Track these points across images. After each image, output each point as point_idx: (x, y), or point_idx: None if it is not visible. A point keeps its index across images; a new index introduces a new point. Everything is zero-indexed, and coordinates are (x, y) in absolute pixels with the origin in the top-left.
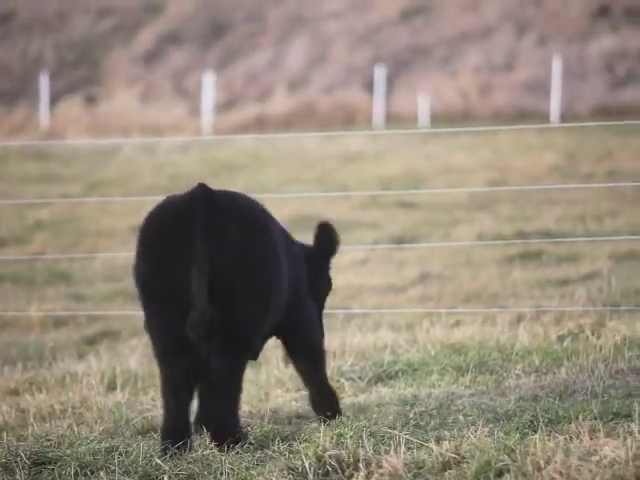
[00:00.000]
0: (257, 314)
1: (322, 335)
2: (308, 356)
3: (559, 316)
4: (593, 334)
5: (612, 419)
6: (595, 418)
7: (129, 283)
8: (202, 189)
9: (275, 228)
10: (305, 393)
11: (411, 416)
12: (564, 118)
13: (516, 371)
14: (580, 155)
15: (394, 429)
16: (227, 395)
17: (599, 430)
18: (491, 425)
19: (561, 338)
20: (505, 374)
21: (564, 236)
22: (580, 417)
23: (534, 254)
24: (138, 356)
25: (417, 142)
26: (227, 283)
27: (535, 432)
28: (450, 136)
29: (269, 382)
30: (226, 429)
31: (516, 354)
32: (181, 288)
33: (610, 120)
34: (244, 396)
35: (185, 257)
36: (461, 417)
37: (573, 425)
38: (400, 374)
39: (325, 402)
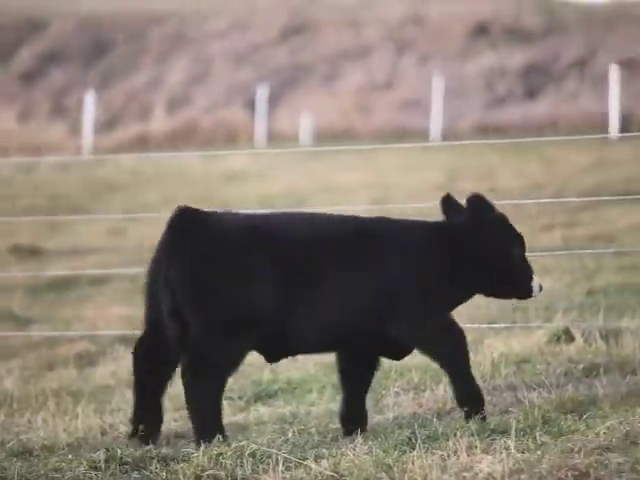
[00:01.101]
0: (204, 330)
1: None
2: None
3: None
4: (471, 351)
5: (489, 435)
6: (472, 435)
7: (6, 303)
8: (178, 210)
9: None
10: (184, 412)
11: (290, 435)
12: (445, 136)
13: (395, 389)
14: (461, 173)
15: (273, 448)
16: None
17: (476, 447)
18: (370, 443)
19: None
20: (384, 392)
21: None
22: (458, 434)
23: None
24: (14, 377)
25: (299, 161)
26: (181, 302)
27: (413, 449)
28: (332, 155)
29: None
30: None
31: (395, 372)
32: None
33: (490, 138)
34: (122, 417)
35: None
36: (340, 435)
37: (451, 442)
38: (279, 393)
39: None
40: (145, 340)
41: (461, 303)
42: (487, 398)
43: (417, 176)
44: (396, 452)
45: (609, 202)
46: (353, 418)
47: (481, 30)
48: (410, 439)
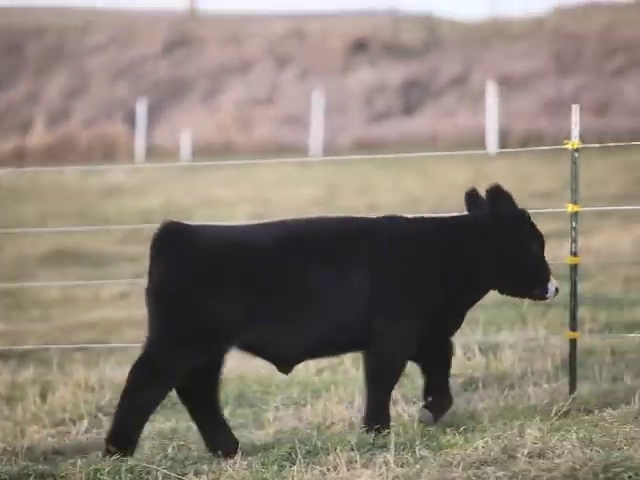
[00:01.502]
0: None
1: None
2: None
3: None
4: (352, 366)
5: (369, 450)
6: (352, 449)
7: None
8: (162, 225)
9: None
10: (62, 428)
11: (169, 450)
12: (325, 151)
13: (275, 404)
14: (341, 188)
15: (152, 464)
16: None
17: (356, 461)
18: (249, 458)
19: (320, 370)
20: (264, 407)
21: None
22: (338, 448)
23: None
24: None
25: (179, 175)
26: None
27: (293, 464)
28: (212, 170)
29: (25, 418)
30: None
31: (276, 386)
32: None
33: (370, 153)
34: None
35: None
36: (220, 450)
37: (331, 456)
38: (159, 408)
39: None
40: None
41: (477, 300)
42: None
43: (297, 191)
44: (276, 467)
45: None
46: (436, 402)
47: (360, 46)
48: (290, 454)
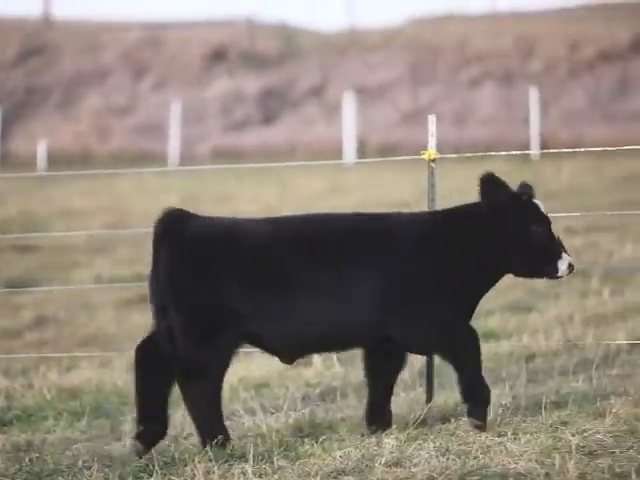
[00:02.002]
0: (185, 330)
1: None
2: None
3: None
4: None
5: (227, 461)
6: (210, 460)
7: None
8: (164, 212)
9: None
10: None
11: (24, 463)
12: (183, 161)
13: (133, 415)
14: (199, 197)
15: (6, 477)
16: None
17: (214, 472)
18: (106, 470)
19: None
20: (122, 418)
21: None
22: (196, 459)
23: None
24: None
25: (35, 185)
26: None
27: (150, 475)
28: (69, 179)
29: None
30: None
31: (133, 398)
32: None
33: (228, 162)
34: None
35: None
36: (80, 462)
37: (188, 468)
38: (15, 420)
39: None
40: (149, 339)
41: (491, 285)
42: (225, 423)
43: (154, 200)
44: (132, 479)
45: None
46: (376, 418)
47: (218, 55)
48: (147, 465)
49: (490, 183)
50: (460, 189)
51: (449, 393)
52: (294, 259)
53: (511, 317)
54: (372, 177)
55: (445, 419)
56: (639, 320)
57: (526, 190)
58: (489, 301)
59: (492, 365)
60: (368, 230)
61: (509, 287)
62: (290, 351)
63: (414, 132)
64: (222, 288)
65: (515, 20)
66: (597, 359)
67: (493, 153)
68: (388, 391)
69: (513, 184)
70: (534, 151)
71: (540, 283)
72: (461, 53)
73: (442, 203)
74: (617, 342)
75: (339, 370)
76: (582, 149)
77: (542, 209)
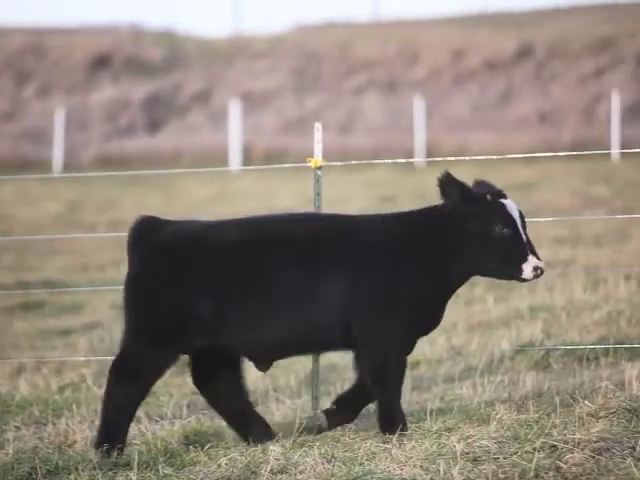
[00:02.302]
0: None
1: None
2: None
3: (60, 366)
4: (94, 384)
5: (111, 469)
6: (95, 468)
7: None
8: (137, 219)
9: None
10: None
11: None
12: (67, 168)
13: (15, 423)
14: (83, 205)
15: None
16: None
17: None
18: None
19: (62, 388)
20: (4, 426)
21: (67, 286)
22: (79, 468)
23: (36, 304)
24: None
25: None
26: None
27: None
28: None
29: None
30: None
31: (16, 405)
32: None
33: (113, 170)
34: None
35: None
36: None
37: (72, 476)
38: None
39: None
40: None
41: (458, 285)
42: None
43: (37, 207)
44: None
45: None
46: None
47: (102, 61)
48: (30, 474)
49: (450, 183)
50: (346, 197)
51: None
52: (262, 262)
53: None
54: (258, 184)
55: None
56: (523, 327)
57: (487, 189)
58: None
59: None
60: (335, 232)
61: None
62: (263, 356)
63: (300, 139)
64: (188, 295)
65: (399, 28)
66: (481, 365)
67: (378, 161)
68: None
69: (399, 191)
70: (419, 159)
71: None
72: (346, 61)
73: (328, 210)
74: (501, 348)
75: None
76: (467, 157)
77: (510, 209)
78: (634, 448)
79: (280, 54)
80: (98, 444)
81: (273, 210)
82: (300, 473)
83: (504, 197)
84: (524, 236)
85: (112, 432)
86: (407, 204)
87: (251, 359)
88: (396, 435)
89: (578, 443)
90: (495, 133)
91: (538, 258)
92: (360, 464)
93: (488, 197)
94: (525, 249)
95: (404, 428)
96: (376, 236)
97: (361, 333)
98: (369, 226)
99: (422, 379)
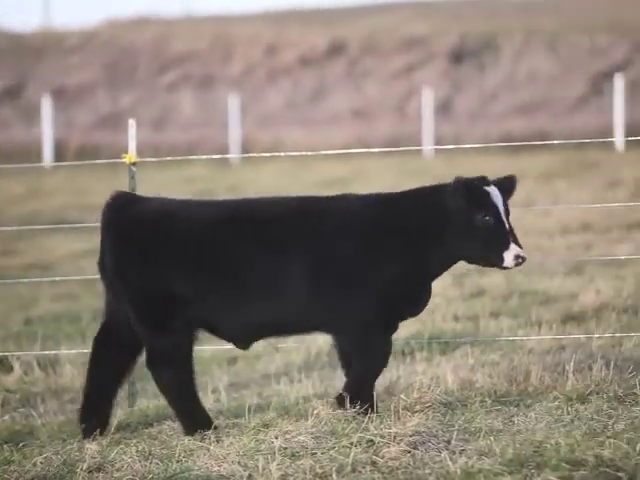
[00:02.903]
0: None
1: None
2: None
3: None
4: None
5: None
6: None
7: None
8: (112, 195)
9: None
10: None
11: None
12: None
13: None
14: None
15: None
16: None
17: None
18: None
19: None
20: None
21: None
22: None
23: None
24: None
25: None
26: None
27: None
28: None
29: None
30: None
31: None
32: None
33: None
34: None
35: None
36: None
37: None
38: None
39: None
40: (104, 327)
41: (442, 270)
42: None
43: None
44: None
45: (44, 231)
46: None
47: None
48: None
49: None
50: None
51: (151, 398)
52: (236, 243)
53: None
54: (72, 180)
55: (148, 423)
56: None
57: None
58: None
59: (195, 369)
60: (311, 214)
61: None
62: (241, 336)
63: (114, 135)
64: (165, 273)
65: (212, 23)
66: (299, 362)
67: (194, 157)
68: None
69: (216, 187)
70: (234, 155)
71: None
72: (159, 56)
73: None
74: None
75: (39, 375)
76: (282, 153)
77: (494, 197)
78: (449, 441)
79: (93, 49)
80: (189, 432)
81: (86, 207)
82: (117, 471)
83: (487, 184)
84: (507, 224)
85: (195, 417)
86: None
87: (229, 339)
88: (363, 408)
89: (394, 437)
90: (309, 129)
91: (519, 246)
92: (178, 461)
93: (475, 183)
94: (507, 237)
95: (372, 408)
96: (352, 218)
97: (333, 316)
98: (346, 208)
99: (240, 375)
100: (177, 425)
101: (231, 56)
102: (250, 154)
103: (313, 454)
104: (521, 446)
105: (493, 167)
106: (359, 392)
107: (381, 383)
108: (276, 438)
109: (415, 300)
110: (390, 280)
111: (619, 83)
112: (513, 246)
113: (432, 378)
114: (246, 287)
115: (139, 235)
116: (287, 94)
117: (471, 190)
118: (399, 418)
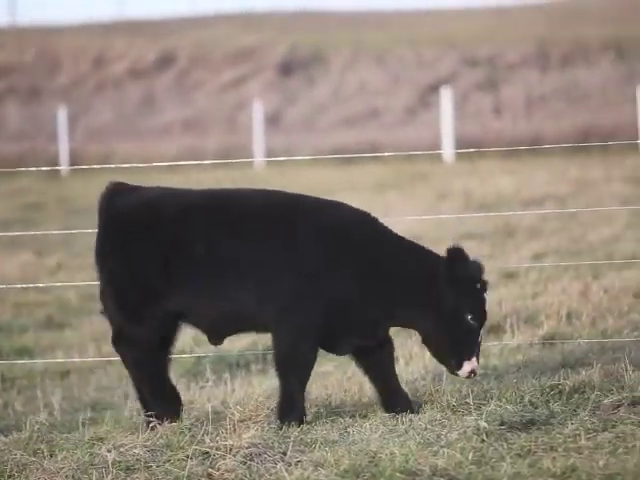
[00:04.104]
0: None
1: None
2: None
3: None
4: None
5: None
6: None
7: None
8: (107, 186)
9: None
10: None
11: None
12: None
13: None
14: None
15: None
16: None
17: None
18: None
19: None
20: None
21: None
22: None
23: None
24: None
25: None
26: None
27: None
28: None
29: None
30: None
31: None
32: None
33: None
34: None
35: None
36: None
37: None
38: None
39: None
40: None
41: (396, 323)
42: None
43: None
44: None
45: None
46: (389, 402)
47: None
48: None
49: (459, 258)
50: None
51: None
52: (208, 235)
53: (45, 334)
54: None
55: None
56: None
57: (475, 268)
58: (22, 316)
59: (27, 382)
60: (285, 213)
61: None
62: (209, 331)
63: None
64: (143, 264)
65: (37, 34)
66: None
67: (22, 169)
68: (387, 376)
69: (45, 199)
70: (64, 167)
71: (73, 299)
72: None
73: None
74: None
75: None
76: (112, 165)
77: (485, 305)
78: (285, 453)
79: None
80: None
81: None
82: None
83: (485, 290)
84: (480, 336)
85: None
86: (54, 212)
87: (203, 332)
88: (293, 423)
89: (230, 449)
90: (140, 141)
91: (477, 361)
92: (10, 476)
93: (477, 286)
94: (474, 348)
95: (302, 420)
96: (319, 222)
97: (274, 318)
98: (320, 211)
99: (73, 388)
100: (9, 440)
101: (58, 68)
102: (80, 166)
103: (148, 467)
104: (356, 456)
105: (325, 179)
106: (292, 405)
107: (216, 396)
108: (109, 452)
109: (359, 326)
110: (333, 298)
111: (446, 95)
112: (474, 359)
113: (267, 390)
114: (215, 280)
115: (120, 223)
116: (116, 106)
117: (472, 292)
118: (235, 430)
